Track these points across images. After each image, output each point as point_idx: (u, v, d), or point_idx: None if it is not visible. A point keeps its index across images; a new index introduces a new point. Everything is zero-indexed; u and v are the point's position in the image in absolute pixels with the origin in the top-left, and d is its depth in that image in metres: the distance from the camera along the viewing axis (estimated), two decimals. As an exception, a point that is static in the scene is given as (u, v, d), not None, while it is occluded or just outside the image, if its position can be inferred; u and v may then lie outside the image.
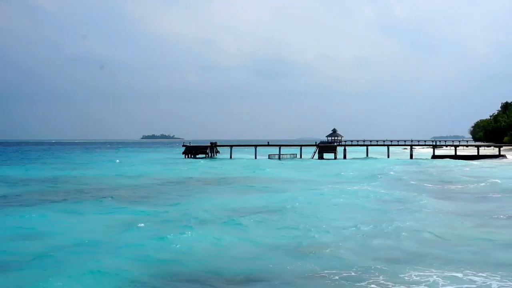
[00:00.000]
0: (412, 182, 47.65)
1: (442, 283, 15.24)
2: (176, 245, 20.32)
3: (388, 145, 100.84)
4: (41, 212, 29.44)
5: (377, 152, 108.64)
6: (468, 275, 15.93)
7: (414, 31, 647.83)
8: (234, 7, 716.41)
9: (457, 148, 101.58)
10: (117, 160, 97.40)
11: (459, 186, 44.24)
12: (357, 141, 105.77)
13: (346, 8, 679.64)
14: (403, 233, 22.23)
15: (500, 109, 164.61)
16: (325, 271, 16.64)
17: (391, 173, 59.45)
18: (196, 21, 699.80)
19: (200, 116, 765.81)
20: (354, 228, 23.62)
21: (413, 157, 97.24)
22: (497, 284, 15.06)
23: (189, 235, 22.14)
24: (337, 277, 15.99)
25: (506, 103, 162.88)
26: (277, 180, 52.53)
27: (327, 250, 19.26)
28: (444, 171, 62.44)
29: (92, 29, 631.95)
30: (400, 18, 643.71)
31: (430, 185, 45.23)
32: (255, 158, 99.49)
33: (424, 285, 15.08)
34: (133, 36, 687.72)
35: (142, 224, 24.96)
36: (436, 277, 15.79)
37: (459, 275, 15.97)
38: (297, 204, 31.95)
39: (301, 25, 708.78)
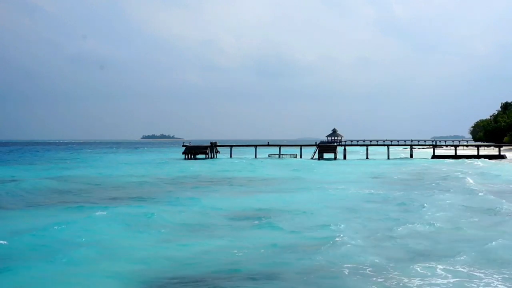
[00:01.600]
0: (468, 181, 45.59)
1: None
2: (178, 246, 20.36)
3: (388, 145, 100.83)
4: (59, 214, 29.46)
5: (377, 152, 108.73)
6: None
7: (414, 31, 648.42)
8: (234, 7, 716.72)
9: (457, 148, 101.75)
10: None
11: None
12: (357, 141, 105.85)
13: (346, 8, 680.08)
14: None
15: (500, 109, 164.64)
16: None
17: (435, 172, 58.48)
18: (196, 21, 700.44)
19: (200, 116, 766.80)
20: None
21: (413, 157, 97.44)
22: None
23: (193, 236, 22.24)
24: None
25: (506, 103, 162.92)
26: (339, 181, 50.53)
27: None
28: (483, 171, 60.23)
29: (92, 29, 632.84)
30: (401, 18, 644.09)
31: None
32: (255, 157, 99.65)
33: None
34: (133, 36, 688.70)
35: (148, 226, 25.04)
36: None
37: None
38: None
39: (301, 25, 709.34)
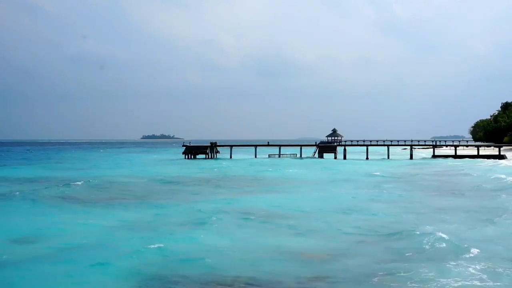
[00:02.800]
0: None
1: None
2: (178, 247, 20.32)
3: (388, 145, 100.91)
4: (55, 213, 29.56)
5: (377, 152, 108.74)
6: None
7: (414, 32, 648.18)
8: (234, 7, 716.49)
9: (457, 148, 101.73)
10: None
11: None
12: (357, 141, 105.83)
13: (346, 8, 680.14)
14: None
15: (500, 109, 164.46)
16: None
17: (471, 173, 56.23)
18: (196, 21, 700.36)
19: (200, 116, 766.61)
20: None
21: (413, 157, 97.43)
22: None
23: (193, 236, 22.18)
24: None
25: (506, 103, 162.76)
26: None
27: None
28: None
29: (92, 29, 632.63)
30: (401, 18, 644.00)
31: None
32: (255, 157, 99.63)
33: None
34: (133, 36, 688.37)
35: (145, 225, 25.05)
36: None
37: None
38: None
39: (301, 25, 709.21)
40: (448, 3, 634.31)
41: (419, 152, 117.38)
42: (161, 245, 20.50)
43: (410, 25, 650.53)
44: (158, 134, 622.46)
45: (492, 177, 50.05)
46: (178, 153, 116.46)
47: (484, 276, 15.67)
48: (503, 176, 49.34)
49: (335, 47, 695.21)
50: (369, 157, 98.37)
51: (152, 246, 20.39)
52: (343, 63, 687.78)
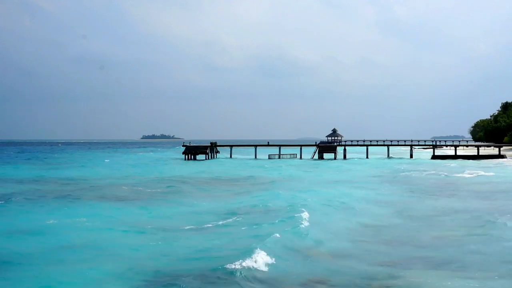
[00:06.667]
0: None
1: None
2: (177, 247, 20.35)
3: (388, 145, 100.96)
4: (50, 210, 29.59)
5: (377, 152, 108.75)
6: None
7: (415, 32, 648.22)
8: (235, 8, 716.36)
9: (457, 148, 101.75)
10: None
11: None
12: (357, 141, 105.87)
13: (347, 8, 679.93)
14: None
15: (500, 109, 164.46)
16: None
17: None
18: (197, 21, 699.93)
19: (200, 116, 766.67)
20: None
21: (413, 157, 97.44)
22: None
23: (192, 237, 22.20)
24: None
25: (506, 103, 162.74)
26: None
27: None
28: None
29: (92, 29, 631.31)
30: (401, 18, 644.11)
31: None
32: (255, 158, 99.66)
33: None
34: (133, 36, 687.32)
35: (144, 225, 25.01)
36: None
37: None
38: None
39: (302, 25, 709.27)
40: (448, 3, 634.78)
41: (419, 152, 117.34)
42: (160, 245, 20.55)
43: (410, 26, 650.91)
44: (158, 134, 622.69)
45: (492, 178, 49.90)
46: (178, 152, 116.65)
47: (483, 282, 15.64)
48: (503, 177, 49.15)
49: (335, 47, 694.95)
50: (369, 157, 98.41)
51: (151, 246, 20.44)
52: (344, 63, 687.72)
